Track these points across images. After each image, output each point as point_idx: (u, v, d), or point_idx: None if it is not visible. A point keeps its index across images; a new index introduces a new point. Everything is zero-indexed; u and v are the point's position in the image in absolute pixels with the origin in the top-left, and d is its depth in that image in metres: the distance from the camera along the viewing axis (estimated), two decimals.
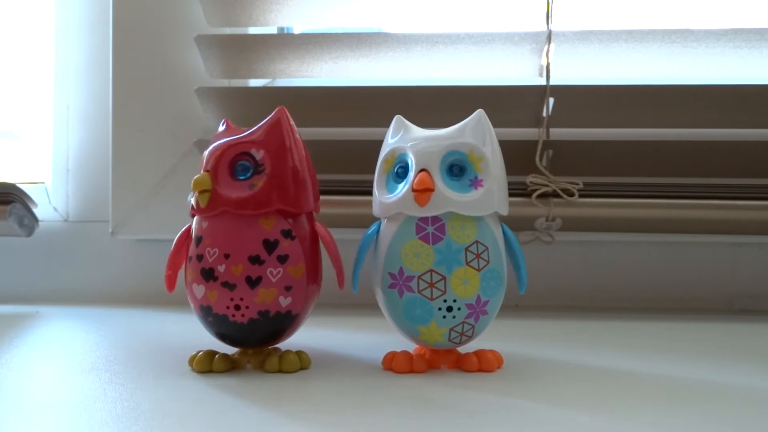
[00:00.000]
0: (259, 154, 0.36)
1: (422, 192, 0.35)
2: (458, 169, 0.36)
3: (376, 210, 0.39)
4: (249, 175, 0.36)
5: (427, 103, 0.62)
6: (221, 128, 0.39)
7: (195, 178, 0.36)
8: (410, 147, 0.37)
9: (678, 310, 0.64)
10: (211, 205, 0.36)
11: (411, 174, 0.36)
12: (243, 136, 0.37)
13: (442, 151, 0.36)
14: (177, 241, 0.38)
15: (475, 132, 0.37)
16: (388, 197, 0.37)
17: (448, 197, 0.36)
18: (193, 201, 0.37)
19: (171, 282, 0.38)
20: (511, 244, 0.38)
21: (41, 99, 0.73)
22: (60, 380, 0.36)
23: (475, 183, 0.36)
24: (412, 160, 0.36)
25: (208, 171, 0.36)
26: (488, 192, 0.36)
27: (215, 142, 0.38)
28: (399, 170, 0.37)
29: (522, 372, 0.37)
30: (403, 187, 0.36)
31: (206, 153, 0.37)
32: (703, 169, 0.62)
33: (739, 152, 0.61)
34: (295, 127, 0.38)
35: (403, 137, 0.38)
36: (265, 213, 0.36)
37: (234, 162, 0.37)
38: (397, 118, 0.39)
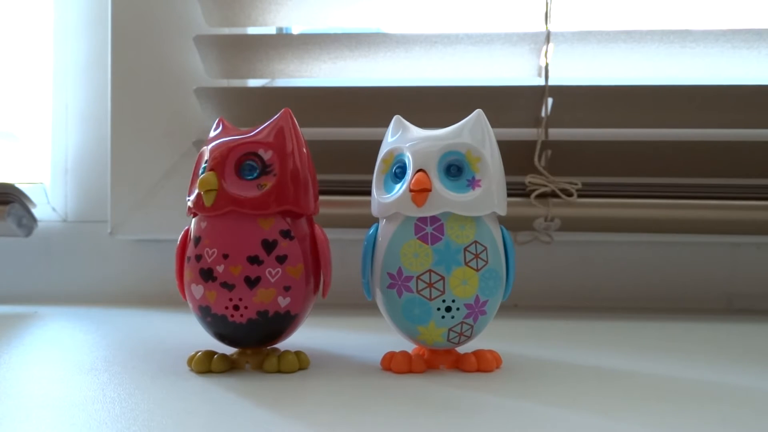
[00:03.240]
0: (267, 155, 0.36)
1: (419, 192, 0.35)
2: (456, 169, 0.36)
3: (374, 210, 0.39)
4: (256, 175, 0.36)
5: (426, 103, 0.62)
6: (218, 127, 0.39)
7: (201, 176, 0.35)
8: (408, 147, 0.37)
9: (676, 309, 0.64)
10: (217, 204, 0.35)
11: (408, 174, 0.36)
12: (250, 136, 0.37)
13: (440, 151, 0.36)
14: (178, 250, 0.38)
15: (473, 132, 0.37)
16: (386, 197, 0.37)
17: (446, 197, 0.35)
18: (191, 201, 0.37)
19: (183, 291, 0.38)
20: (506, 248, 0.38)
21: (40, 99, 0.72)
22: (58, 381, 0.35)
23: (473, 183, 0.36)
24: (409, 160, 0.36)
25: (213, 170, 0.36)
26: (486, 192, 0.36)
27: (216, 141, 0.37)
28: (397, 170, 0.37)
29: (521, 372, 0.37)
30: (400, 188, 0.36)
31: (207, 151, 0.37)
32: (702, 169, 0.62)
33: (737, 152, 0.61)
34: (299, 129, 0.38)
35: (401, 137, 0.38)
36: (271, 213, 0.36)
37: (240, 162, 0.36)
38: (396, 118, 0.39)
